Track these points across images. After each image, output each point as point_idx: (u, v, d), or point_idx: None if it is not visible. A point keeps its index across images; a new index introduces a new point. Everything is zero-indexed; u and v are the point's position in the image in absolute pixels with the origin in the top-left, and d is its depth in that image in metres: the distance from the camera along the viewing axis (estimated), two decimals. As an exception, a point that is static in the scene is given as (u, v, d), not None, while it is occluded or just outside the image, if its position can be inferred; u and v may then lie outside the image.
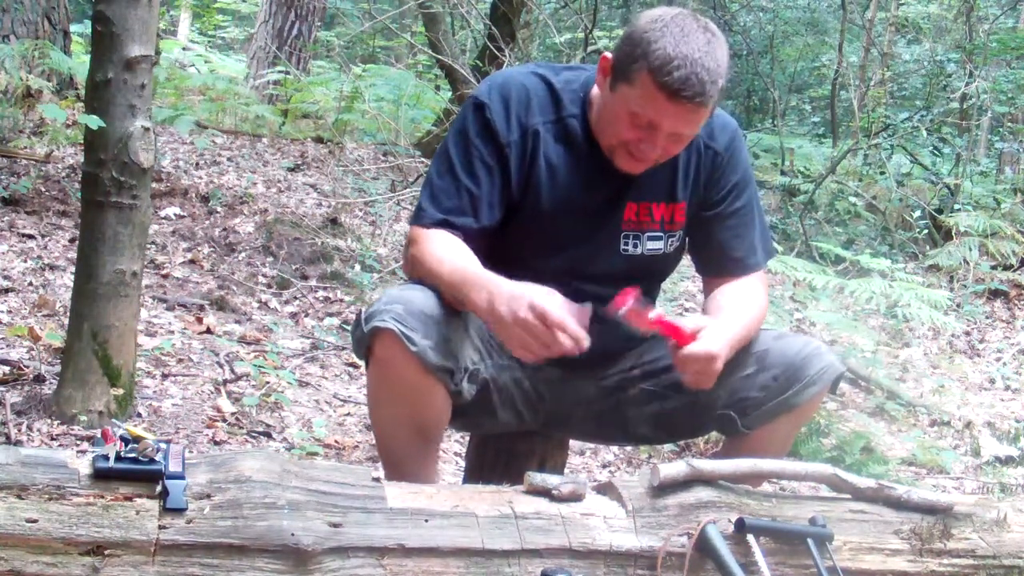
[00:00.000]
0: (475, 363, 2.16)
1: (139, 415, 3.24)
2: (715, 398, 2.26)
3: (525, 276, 2.01)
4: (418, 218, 2.19)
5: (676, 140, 2.12)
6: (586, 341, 1.93)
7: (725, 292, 2.31)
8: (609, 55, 2.12)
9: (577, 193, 2.21)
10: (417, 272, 2.15)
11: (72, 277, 3.33)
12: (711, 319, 2.16)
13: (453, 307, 2.10)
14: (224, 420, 3.37)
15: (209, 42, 14.17)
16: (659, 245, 2.28)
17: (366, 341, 2.08)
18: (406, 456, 2.17)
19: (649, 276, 2.35)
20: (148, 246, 3.96)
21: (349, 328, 4.57)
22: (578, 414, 2.39)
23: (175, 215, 5.60)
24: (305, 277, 5.13)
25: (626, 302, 2.03)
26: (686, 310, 5.45)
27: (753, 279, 2.34)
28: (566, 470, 2.70)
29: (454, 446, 3.50)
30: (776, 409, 2.23)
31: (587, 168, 2.21)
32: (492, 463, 2.46)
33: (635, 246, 2.26)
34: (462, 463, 2.95)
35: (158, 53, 4.71)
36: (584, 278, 2.18)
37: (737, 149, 2.33)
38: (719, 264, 2.35)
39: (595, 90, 2.20)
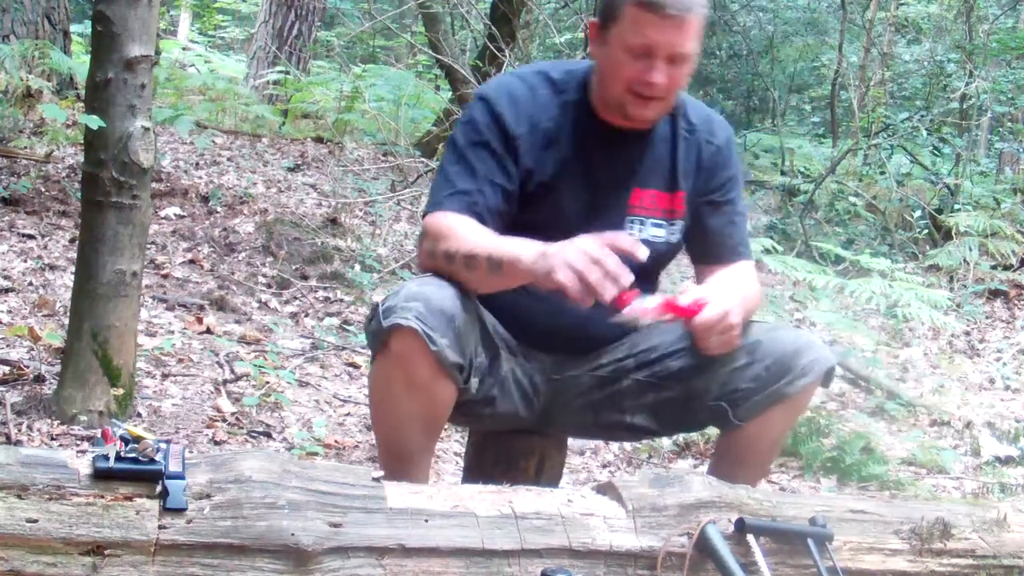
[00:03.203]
0: (481, 360, 2.20)
1: (139, 415, 3.24)
2: (707, 390, 2.30)
3: None
4: (435, 205, 2.23)
5: (677, 63, 2.18)
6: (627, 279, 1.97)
7: (720, 274, 2.38)
8: (595, 19, 2.25)
9: (586, 178, 2.28)
10: (439, 256, 2.16)
11: (72, 277, 3.33)
12: (710, 286, 2.26)
13: (468, 293, 2.15)
14: (224, 420, 3.37)
15: (209, 42, 14.20)
16: (662, 233, 2.35)
17: (383, 336, 2.10)
18: (410, 451, 2.20)
19: (650, 264, 2.38)
20: (148, 246, 3.96)
21: (350, 328, 4.61)
22: (574, 407, 2.41)
23: (175, 215, 5.60)
24: (305, 277, 5.13)
25: (629, 302, 2.03)
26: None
27: (746, 265, 2.42)
28: (565, 470, 2.70)
29: (454, 446, 3.50)
30: (767, 400, 2.24)
31: (594, 153, 2.29)
32: (491, 462, 2.46)
33: (640, 231, 2.32)
34: (463, 463, 2.95)
35: (158, 53, 4.70)
36: None
37: (733, 147, 2.47)
38: (714, 251, 2.42)
39: (594, 70, 2.29)
